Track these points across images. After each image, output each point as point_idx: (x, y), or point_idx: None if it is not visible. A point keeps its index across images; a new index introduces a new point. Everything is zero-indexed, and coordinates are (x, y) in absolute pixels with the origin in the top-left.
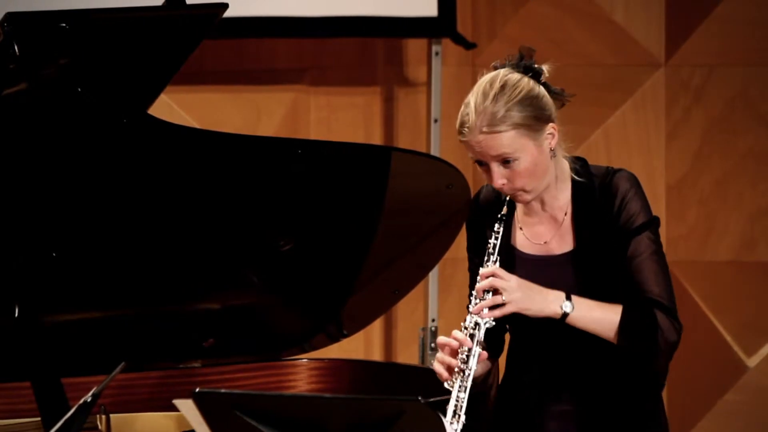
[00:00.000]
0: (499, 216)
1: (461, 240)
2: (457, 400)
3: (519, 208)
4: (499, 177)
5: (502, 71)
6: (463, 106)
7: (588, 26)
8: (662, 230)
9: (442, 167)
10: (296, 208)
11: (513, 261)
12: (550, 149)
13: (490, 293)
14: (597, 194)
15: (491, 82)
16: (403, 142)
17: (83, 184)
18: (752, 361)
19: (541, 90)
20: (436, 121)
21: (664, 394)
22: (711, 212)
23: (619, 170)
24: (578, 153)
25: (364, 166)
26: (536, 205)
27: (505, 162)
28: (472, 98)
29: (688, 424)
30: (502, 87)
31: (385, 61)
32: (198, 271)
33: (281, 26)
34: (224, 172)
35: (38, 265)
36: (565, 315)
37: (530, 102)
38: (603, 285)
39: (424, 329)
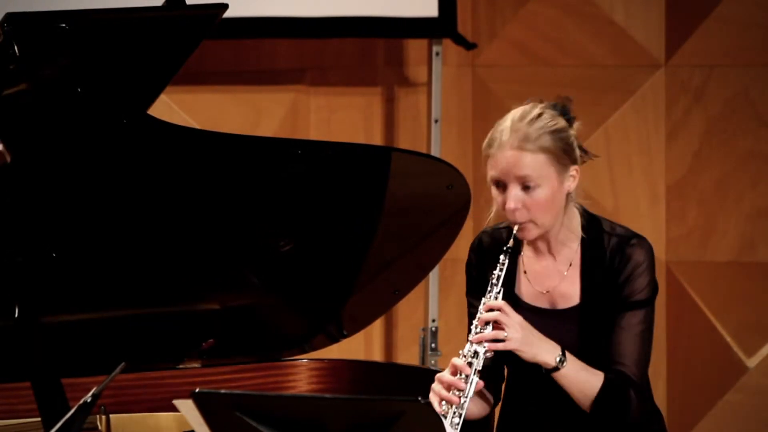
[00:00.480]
0: (504, 248)
1: (461, 240)
2: (452, 425)
3: (524, 252)
4: (516, 200)
5: (540, 104)
6: (496, 125)
7: (588, 27)
8: (662, 230)
9: (443, 167)
10: (296, 209)
11: (516, 311)
12: (568, 192)
13: (490, 326)
14: (608, 254)
15: (530, 108)
16: (404, 142)
17: (83, 185)
18: (752, 362)
19: (573, 134)
20: (436, 121)
21: (664, 394)
22: (711, 212)
23: (638, 237)
24: None
25: (364, 167)
26: (542, 247)
27: (526, 187)
28: (509, 118)
29: (688, 424)
30: (540, 115)
31: (386, 61)
32: (198, 272)
33: (281, 26)
34: (224, 173)
35: (38, 265)
36: (555, 369)
37: (563, 137)
38: (605, 343)
39: (424, 329)
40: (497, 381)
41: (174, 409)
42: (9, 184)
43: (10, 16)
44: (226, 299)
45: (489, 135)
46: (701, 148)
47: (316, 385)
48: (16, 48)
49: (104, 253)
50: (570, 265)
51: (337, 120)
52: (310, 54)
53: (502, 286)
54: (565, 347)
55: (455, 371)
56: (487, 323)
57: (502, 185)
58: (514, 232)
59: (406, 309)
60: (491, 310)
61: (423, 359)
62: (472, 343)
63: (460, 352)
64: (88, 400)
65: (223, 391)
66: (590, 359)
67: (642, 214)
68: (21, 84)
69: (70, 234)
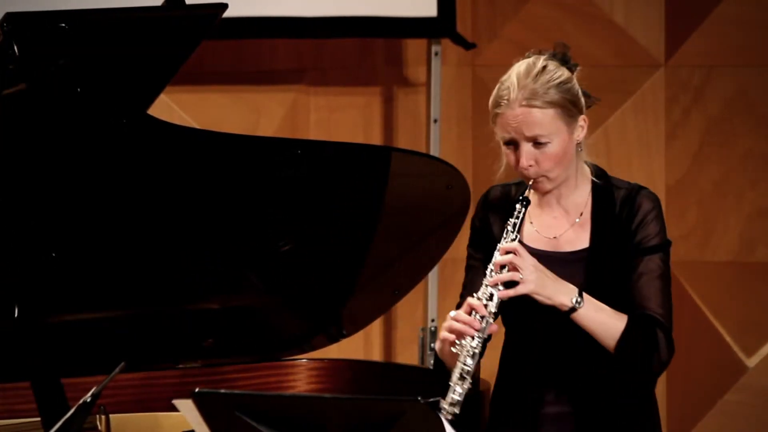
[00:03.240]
0: (521, 197)
1: (461, 240)
2: (465, 365)
3: (532, 202)
4: (528, 158)
5: (542, 57)
6: (499, 84)
7: (588, 27)
8: None
9: (442, 167)
10: (296, 209)
11: None
12: (578, 142)
13: (506, 269)
14: (618, 204)
15: (533, 63)
16: (403, 142)
17: (83, 185)
18: (752, 362)
19: (576, 82)
20: (435, 121)
21: (664, 394)
22: (711, 213)
23: (645, 188)
24: None
25: (363, 167)
26: (552, 199)
27: (537, 143)
28: (513, 74)
29: (687, 424)
30: (544, 68)
31: (385, 61)
32: (198, 272)
33: (281, 26)
34: (224, 173)
35: (38, 265)
36: (573, 310)
37: (568, 89)
38: (612, 288)
39: (423, 329)
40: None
41: (174, 409)
42: (9, 184)
43: (10, 16)
44: (226, 299)
45: (494, 93)
46: (701, 148)
47: (316, 385)
48: (16, 48)
49: (104, 252)
50: (580, 214)
51: (337, 120)
52: (309, 54)
53: (517, 233)
54: None
55: (470, 311)
56: (502, 267)
57: (513, 144)
58: (530, 184)
59: (406, 309)
60: (507, 253)
61: (422, 359)
62: (487, 286)
63: (475, 294)
64: (88, 400)
65: (223, 391)
66: (597, 298)
67: None
68: (21, 84)
69: (70, 234)
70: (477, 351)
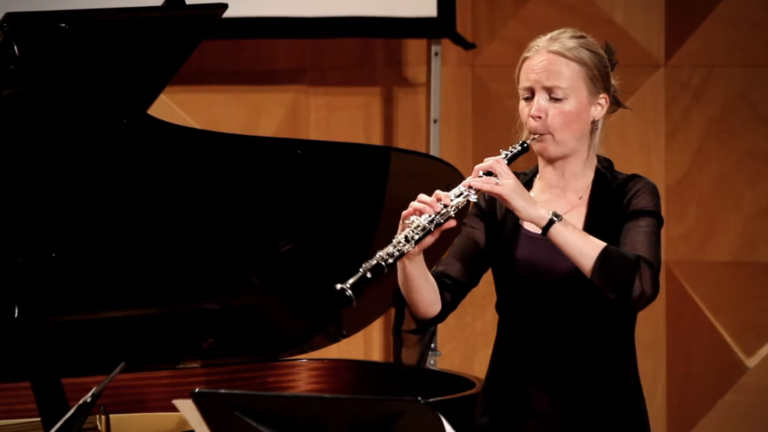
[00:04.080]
0: (522, 141)
1: None
2: (413, 231)
3: (536, 185)
4: (540, 109)
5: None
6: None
7: (588, 27)
8: (662, 230)
9: (442, 167)
10: (296, 209)
11: (517, 239)
12: (593, 120)
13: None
14: (616, 190)
15: (575, 30)
16: (403, 142)
17: (83, 185)
18: (752, 362)
19: (611, 71)
20: (435, 121)
21: (664, 394)
22: (711, 212)
23: (644, 177)
24: None
25: (363, 167)
26: (555, 180)
27: (553, 97)
28: (552, 31)
29: (687, 424)
30: (583, 36)
31: (385, 61)
32: (198, 272)
33: (281, 26)
34: (224, 173)
35: (38, 265)
36: (551, 222)
37: (600, 60)
38: None
39: None
40: (456, 292)
41: (174, 409)
42: (9, 184)
43: (10, 16)
44: (226, 299)
45: (529, 44)
46: (701, 148)
47: (316, 385)
48: (16, 48)
49: (104, 253)
50: (580, 198)
51: (337, 120)
52: (309, 54)
53: (508, 161)
54: (563, 274)
55: (438, 200)
56: (484, 175)
57: (530, 97)
58: (529, 141)
59: None
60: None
61: (422, 359)
62: (462, 185)
63: (449, 191)
64: (88, 400)
65: (222, 391)
66: (590, 288)
67: None
68: (21, 84)
69: (69, 234)
70: (428, 227)
